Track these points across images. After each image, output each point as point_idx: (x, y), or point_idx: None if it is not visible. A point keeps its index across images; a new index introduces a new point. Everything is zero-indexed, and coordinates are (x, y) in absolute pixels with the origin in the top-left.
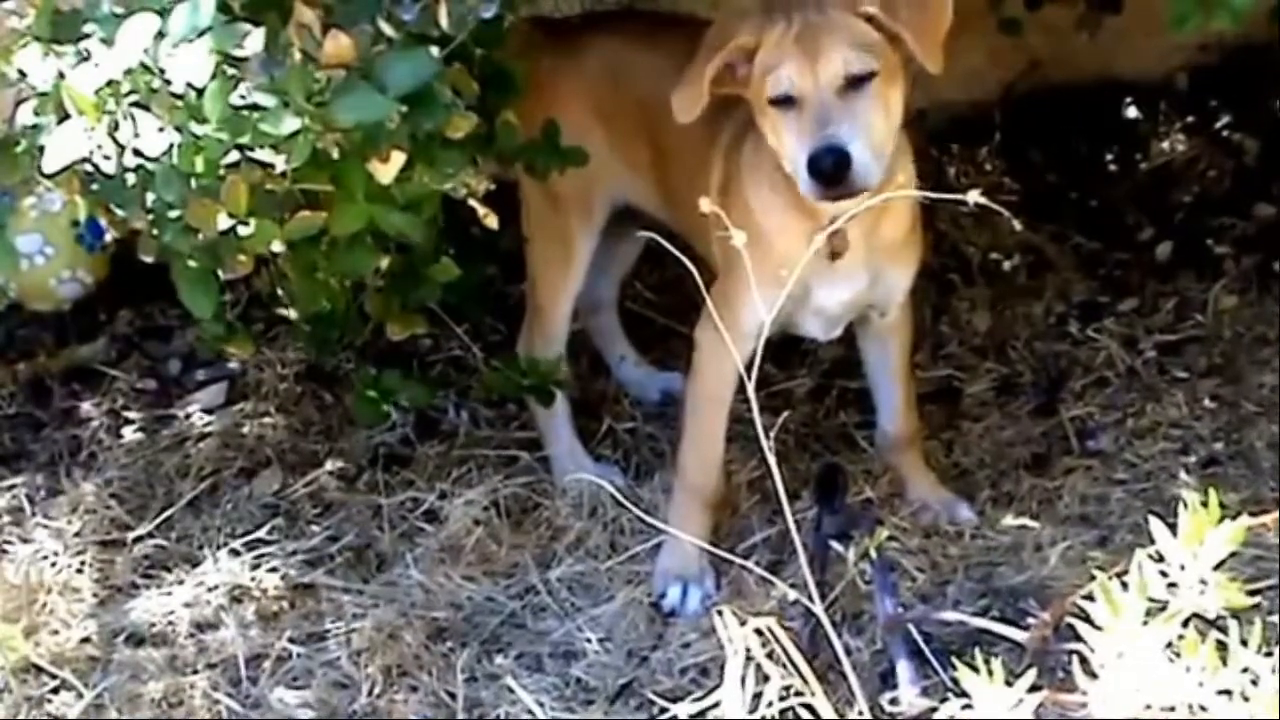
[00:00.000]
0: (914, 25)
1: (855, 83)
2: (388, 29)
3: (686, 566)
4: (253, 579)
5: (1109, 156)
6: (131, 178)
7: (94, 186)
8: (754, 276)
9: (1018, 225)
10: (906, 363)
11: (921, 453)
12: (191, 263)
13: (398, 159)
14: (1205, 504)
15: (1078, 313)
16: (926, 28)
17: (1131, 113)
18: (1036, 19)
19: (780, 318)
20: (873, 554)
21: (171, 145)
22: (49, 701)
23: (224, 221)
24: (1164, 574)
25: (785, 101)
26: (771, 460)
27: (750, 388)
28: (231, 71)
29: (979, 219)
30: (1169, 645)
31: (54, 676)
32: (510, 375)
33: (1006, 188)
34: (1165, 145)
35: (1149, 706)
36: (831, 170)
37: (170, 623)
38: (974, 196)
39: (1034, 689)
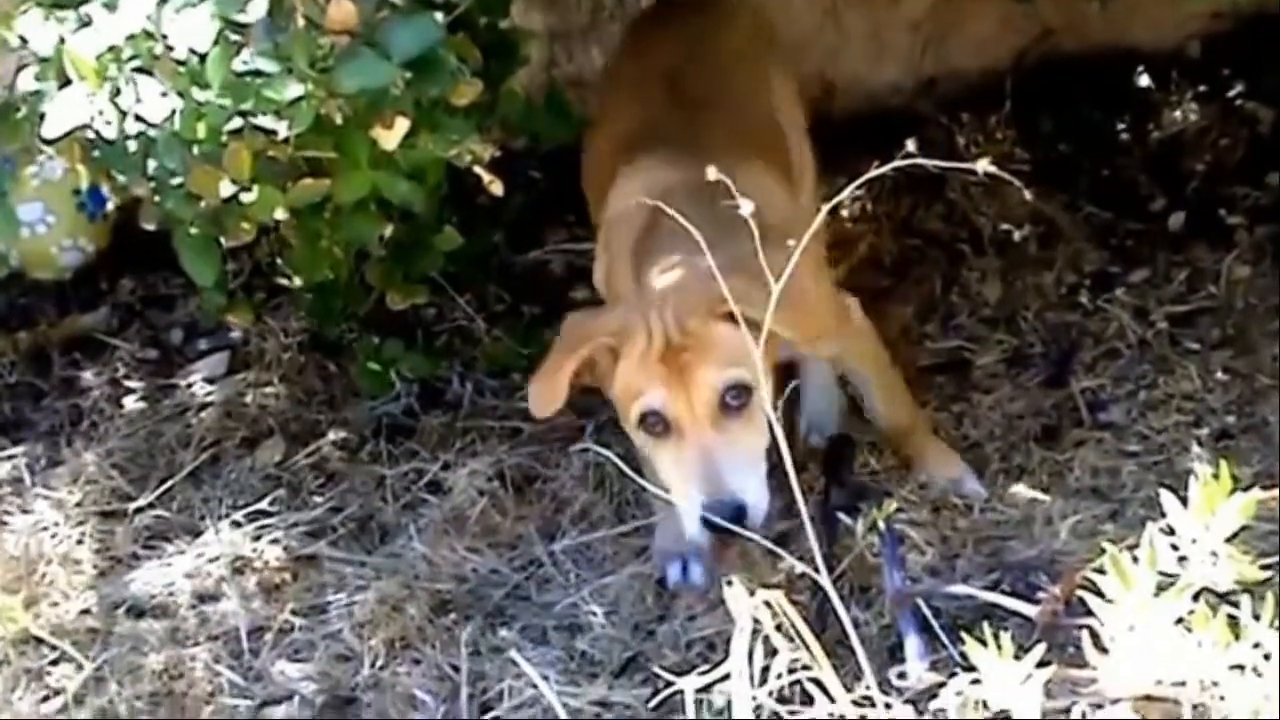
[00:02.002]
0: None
1: (733, 407)
2: None
3: (682, 542)
4: (254, 550)
5: (1121, 126)
6: (133, 144)
7: (95, 153)
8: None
9: (1028, 195)
10: (880, 369)
11: (925, 431)
12: (193, 230)
13: (401, 126)
14: (1217, 477)
15: (1089, 283)
16: (788, 305)
17: (1144, 81)
18: None
19: None
20: (881, 527)
21: (173, 111)
22: (49, 673)
23: (226, 188)
24: (1175, 547)
25: (659, 428)
26: (779, 433)
27: (758, 361)
28: (234, 37)
29: (989, 189)
30: (1180, 620)
31: (54, 648)
32: (514, 346)
33: (1017, 157)
34: (1178, 114)
35: (1159, 681)
36: (729, 522)
37: (171, 594)
38: (984, 166)
39: (1043, 663)
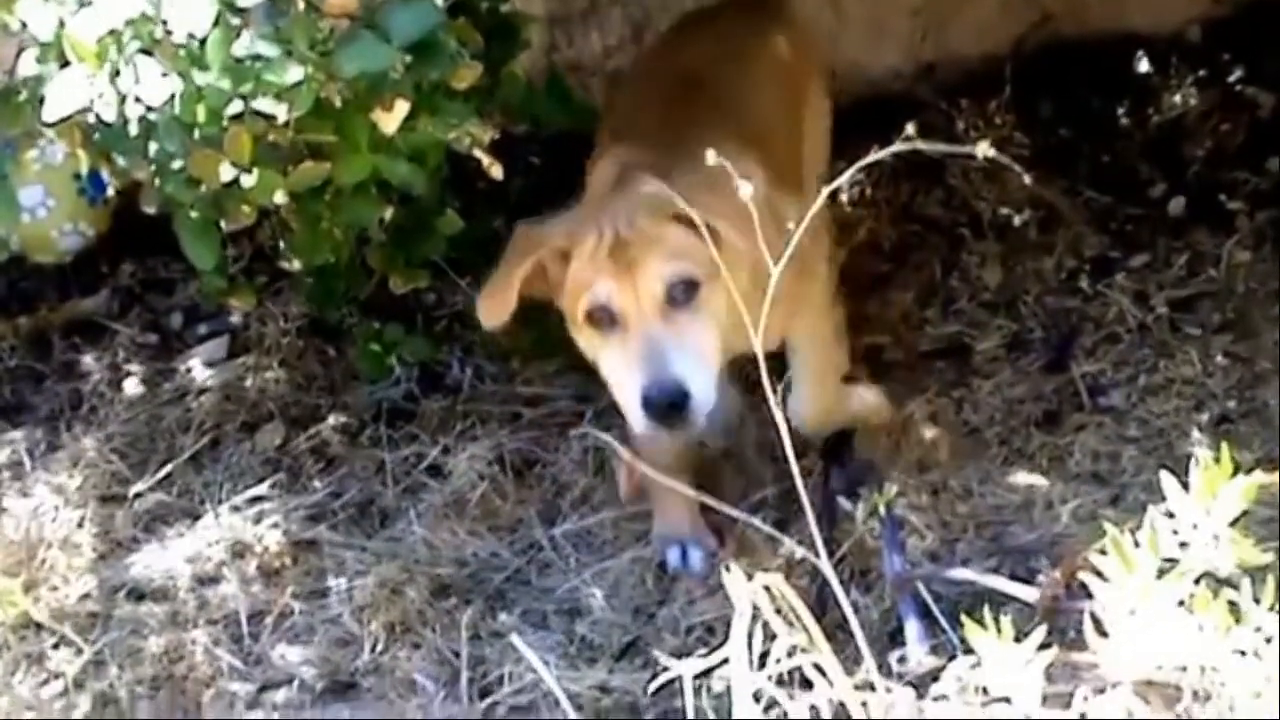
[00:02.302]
0: (726, 213)
1: (680, 300)
2: None
3: (680, 528)
4: (254, 534)
5: (1121, 110)
6: (134, 127)
7: (96, 137)
8: None
9: (1028, 179)
10: (816, 364)
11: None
12: (194, 214)
13: (401, 109)
14: (1218, 460)
15: (1089, 268)
16: (739, 213)
17: (1143, 66)
18: None
19: None
20: (881, 511)
21: (174, 94)
22: (49, 657)
23: (227, 172)
24: (1175, 531)
25: (605, 322)
26: (779, 416)
27: (756, 341)
28: (234, 20)
29: (989, 174)
30: (1180, 604)
31: (54, 632)
32: (515, 330)
33: (1017, 142)
34: (1177, 99)
35: (1160, 665)
36: (667, 410)
37: (171, 578)
38: (984, 149)
39: (1044, 647)
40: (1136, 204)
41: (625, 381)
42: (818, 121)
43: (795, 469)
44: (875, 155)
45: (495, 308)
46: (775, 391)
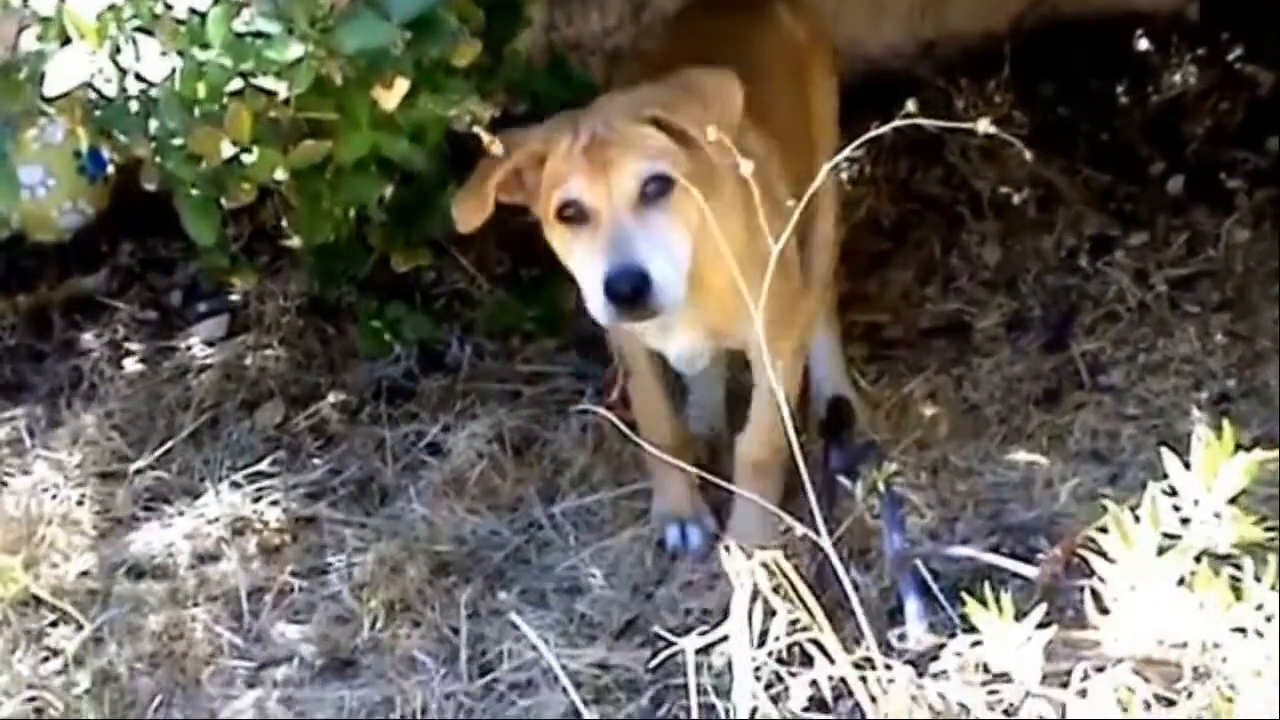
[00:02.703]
0: (703, 120)
1: (651, 197)
2: None
3: (679, 507)
4: (254, 512)
5: (1120, 89)
6: (134, 104)
7: (96, 114)
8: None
9: (1029, 156)
10: (771, 397)
11: (763, 490)
12: (194, 191)
13: (402, 86)
14: (1219, 438)
15: (1089, 247)
16: (717, 120)
17: (1143, 45)
18: None
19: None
20: (881, 489)
21: (174, 71)
22: (49, 634)
23: (227, 149)
24: (1176, 508)
25: (576, 218)
26: (780, 395)
27: (758, 320)
28: None
29: (988, 152)
30: (1181, 581)
31: (54, 609)
32: (514, 307)
33: (1016, 120)
34: (1177, 78)
35: (1161, 642)
36: (629, 294)
37: (171, 555)
38: (984, 126)
39: (1043, 625)
40: (1136, 182)
41: (590, 270)
42: (825, 101)
43: (796, 448)
44: (875, 131)
45: (470, 211)
46: (775, 369)
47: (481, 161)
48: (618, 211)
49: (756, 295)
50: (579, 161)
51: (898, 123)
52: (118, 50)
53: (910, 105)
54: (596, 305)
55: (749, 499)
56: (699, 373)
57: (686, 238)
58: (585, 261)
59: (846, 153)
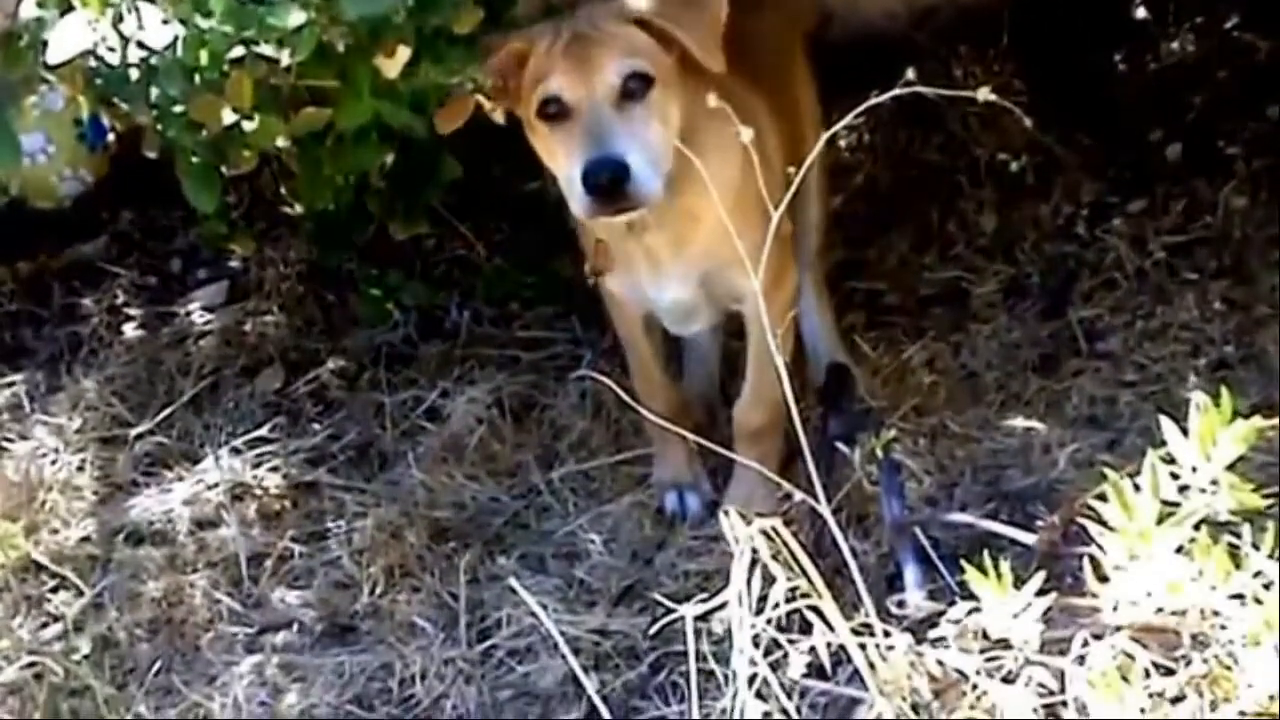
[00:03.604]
0: (688, 24)
1: (631, 93)
2: None
3: (678, 473)
4: (254, 477)
5: (1118, 57)
6: (135, 72)
7: (98, 81)
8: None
9: (1028, 123)
10: (767, 356)
11: (761, 457)
12: (195, 158)
13: (403, 54)
14: (1218, 405)
15: (1086, 214)
16: (701, 26)
17: (1141, 13)
18: None
19: (638, 302)
20: (879, 456)
21: (176, 38)
22: (49, 600)
23: (228, 116)
24: (1175, 476)
25: (557, 115)
26: (779, 361)
27: (757, 285)
28: None
29: (987, 119)
30: (1180, 549)
31: (54, 575)
32: (513, 274)
33: (1015, 88)
34: (1175, 45)
35: (1160, 610)
36: (608, 184)
37: (170, 521)
38: (984, 94)
39: (1043, 592)
40: (1134, 150)
41: (568, 164)
42: (808, 86)
43: (795, 414)
44: (875, 99)
45: (454, 111)
46: (775, 336)
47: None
48: (598, 106)
49: (748, 244)
50: (560, 59)
51: (897, 91)
52: (119, 18)
53: (910, 74)
54: (576, 198)
55: (747, 465)
56: (694, 338)
57: (665, 134)
58: (565, 156)
59: (848, 120)
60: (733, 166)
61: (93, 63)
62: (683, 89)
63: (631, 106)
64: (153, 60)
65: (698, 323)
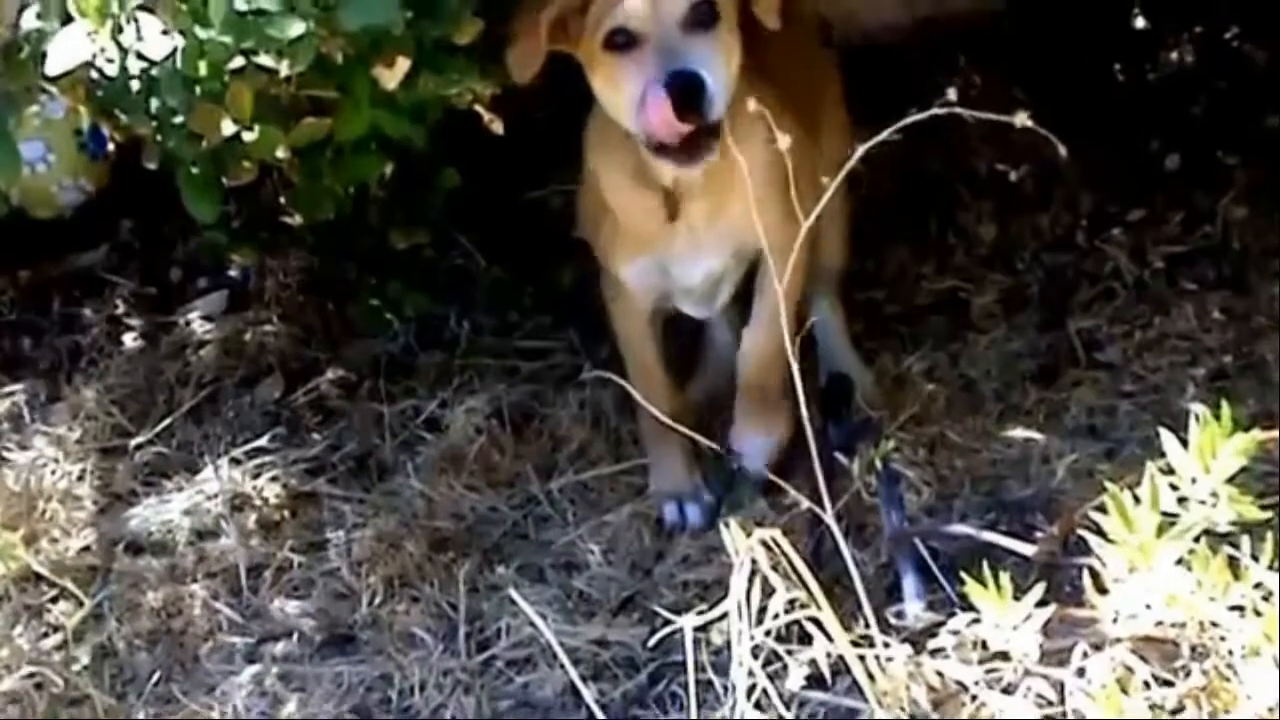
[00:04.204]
0: None
1: (700, 21)
2: None
3: (677, 483)
4: (253, 487)
5: (1117, 66)
6: (135, 84)
7: (98, 92)
8: (618, 254)
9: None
10: (774, 310)
11: (764, 404)
12: (195, 169)
13: (403, 65)
14: (1217, 417)
15: (1085, 223)
16: None
17: (1140, 22)
18: None
19: (653, 289)
20: (879, 466)
21: (175, 49)
22: (48, 610)
23: (228, 127)
24: (1174, 487)
25: (624, 45)
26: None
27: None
28: None
29: (984, 129)
30: (1179, 561)
31: (53, 585)
32: (513, 284)
33: (1014, 98)
34: (1174, 55)
35: (1160, 623)
36: (688, 91)
37: (170, 531)
38: (1021, 120)
39: (1042, 603)
40: (1133, 160)
41: (639, 87)
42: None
43: (806, 419)
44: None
45: (527, 58)
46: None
47: (522, 11)
48: (667, 30)
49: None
50: None
51: (935, 110)
52: (119, 30)
53: (951, 94)
54: (650, 118)
55: (751, 416)
56: (714, 327)
57: (729, 67)
58: (634, 83)
59: (882, 137)
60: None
61: (92, 74)
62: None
63: (699, 34)
64: (152, 71)
65: (721, 297)
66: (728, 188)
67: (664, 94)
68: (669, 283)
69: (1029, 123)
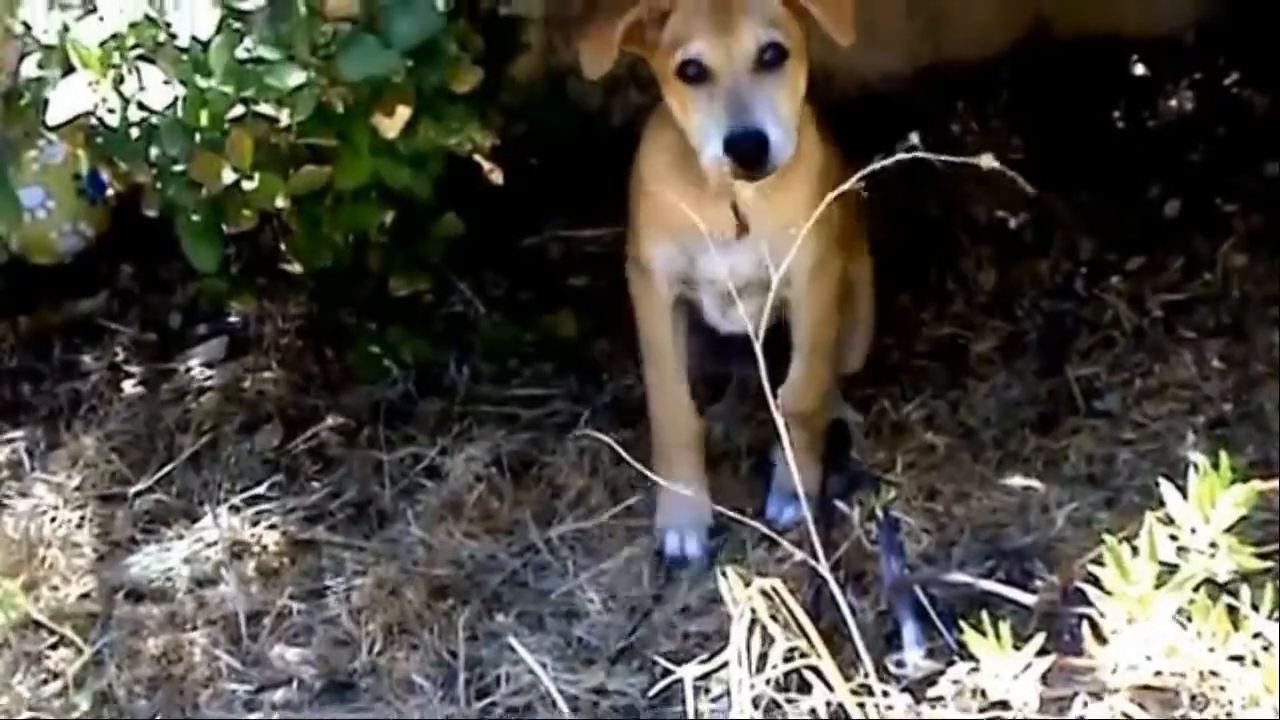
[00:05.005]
0: (824, 2)
1: (768, 63)
2: None
3: (680, 513)
4: (253, 535)
5: (1116, 113)
6: (136, 132)
7: (99, 141)
8: (649, 234)
9: (1029, 189)
10: (814, 340)
11: (806, 443)
12: (195, 217)
13: (403, 113)
14: (1215, 466)
15: (1085, 271)
16: (835, 1)
17: (1139, 69)
18: None
19: (678, 276)
20: (878, 514)
21: (176, 99)
22: (48, 657)
23: (228, 176)
24: (1174, 537)
25: (697, 77)
26: (780, 422)
27: (758, 347)
28: (236, 25)
29: (985, 177)
30: (1179, 610)
31: (53, 632)
32: (512, 331)
33: (1013, 145)
34: (1173, 102)
35: (1159, 672)
36: (751, 154)
37: (170, 579)
38: (987, 161)
39: (1042, 652)
40: (1132, 207)
41: (709, 128)
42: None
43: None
44: (878, 164)
45: (598, 55)
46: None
47: (600, 12)
48: (737, 72)
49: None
50: (703, 22)
51: (900, 156)
52: (121, 79)
53: (913, 137)
54: (714, 160)
55: (800, 453)
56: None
57: (795, 102)
58: (704, 117)
59: (851, 183)
60: (815, 148)
61: (93, 122)
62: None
63: (766, 75)
64: (153, 120)
65: (742, 309)
66: (772, 191)
67: (726, 158)
68: (695, 271)
69: (995, 164)
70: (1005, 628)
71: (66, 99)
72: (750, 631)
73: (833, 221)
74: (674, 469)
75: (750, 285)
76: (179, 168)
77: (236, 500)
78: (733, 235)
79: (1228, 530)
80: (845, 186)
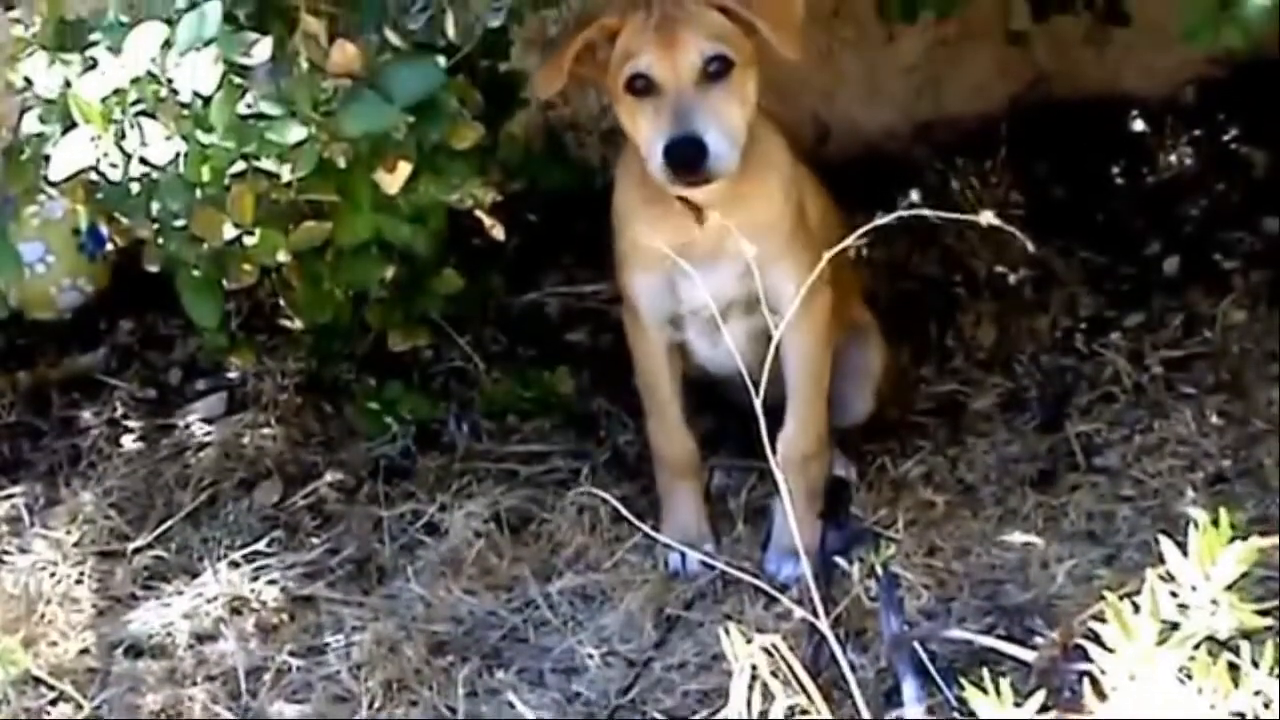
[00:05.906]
0: (768, 14)
1: (713, 75)
2: (394, 38)
3: (685, 531)
4: (252, 591)
5: (1116, 170)
6: (137, 186)
7: (99, 195)
8: (629, 268)
9: (1030, 247)
10: (807, 382)
11: (805, 495)
12: (196, 272)
13: (404, 169)
14: (1216, 523)
15: (1084, 327)
16: (781, 16)
17: (1138, 126)
18: (1044, 32)
19: (662, 310)
20: (878, 570)
21: (178, 154)
22: (48, 713)
23: (229, 231)
24: (1174, 594)
25: (644, 90)
26: (779, 475)
27: (758, 403)
28: (238, 80)
29: (985, 233)
30: (1180, 668)
31: (53, 688)
32: (511, 388)
33: (1013, 201)
34: (1173, 159)
35: None
36: (689, 159)
37: (169, 634)
38: (987, 218)
39: (1043, 709)
40: (1132, 263)
41: (654, 138)
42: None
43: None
44: (879, 221)
45: (550, 77)
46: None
47: (559, 35)
48: (682, 84)
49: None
50: (650, 38)
51: (901, 213)
52: (122, 135)
53: (914, 195)
54: (657, 169)
55: (799, 505)
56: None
57: (742, 112)
58: (650, 129)
59: (851, 240)
60: (783, 160)
61: (94, 177)
62: (759, 69)
63: (712, 86)
64: (154, 175)
65: (727, 337)
66: (747, 200)
67: (663, 161)
68: (677, 305)
69: (995, 221)
70: (1005, 684)
71: (68, 154)
72: (750, 688)
73: (816, 249)
74: (674, 495)
75: (734, 306)
76: (180, 223)
77: (236, 556)
78: (707, 252)
79: (1228, 587)
80: (846, 243)
